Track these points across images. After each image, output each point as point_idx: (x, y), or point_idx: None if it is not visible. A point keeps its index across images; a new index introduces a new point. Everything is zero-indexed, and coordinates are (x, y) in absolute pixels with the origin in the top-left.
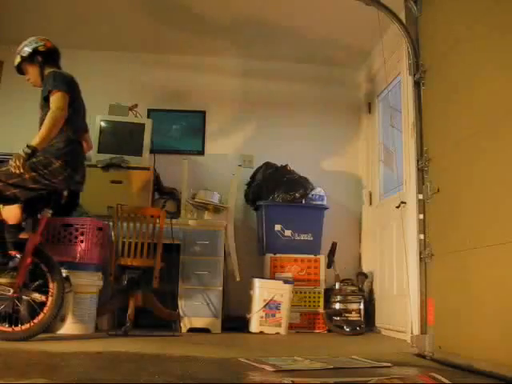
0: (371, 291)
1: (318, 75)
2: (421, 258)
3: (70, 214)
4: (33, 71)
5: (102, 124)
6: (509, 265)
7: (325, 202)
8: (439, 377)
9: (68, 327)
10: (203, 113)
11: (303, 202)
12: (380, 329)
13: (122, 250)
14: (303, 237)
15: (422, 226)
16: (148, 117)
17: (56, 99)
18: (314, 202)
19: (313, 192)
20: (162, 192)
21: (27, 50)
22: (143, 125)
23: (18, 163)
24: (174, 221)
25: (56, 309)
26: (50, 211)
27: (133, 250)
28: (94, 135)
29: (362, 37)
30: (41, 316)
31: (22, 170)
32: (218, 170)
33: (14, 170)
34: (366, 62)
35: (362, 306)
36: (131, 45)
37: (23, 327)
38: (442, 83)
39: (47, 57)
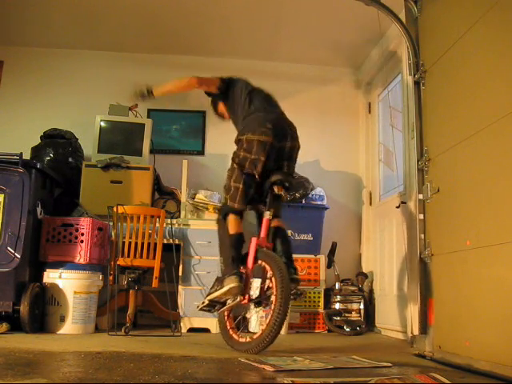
0: (371, 291)
1: (318, 75)
2: (421, 258)
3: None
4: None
5: (102, 124)
6: (509, 265)
7: (325, 202)
8: (439, 377)
9: (68, 327)
10: (203, 113)
11: (303, 201)
12: (380, 329)
13: (122, 249)
14: (303, 237)
15: (422, 226)
16: (148, 117)
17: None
18: (314, 202)
19: (313, 192)
20: (162, 192)
21: None
22: (143, 125)
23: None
24: (173, 221)
25: (277, 318)
26: (269, 213)
27: (133, 249)
28: (94, 135)
29: (362, 37)
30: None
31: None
32: (218, 170)
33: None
34: (365, 61)
35: (362, 306)
36: (131, 45)
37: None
38: (441, 83)
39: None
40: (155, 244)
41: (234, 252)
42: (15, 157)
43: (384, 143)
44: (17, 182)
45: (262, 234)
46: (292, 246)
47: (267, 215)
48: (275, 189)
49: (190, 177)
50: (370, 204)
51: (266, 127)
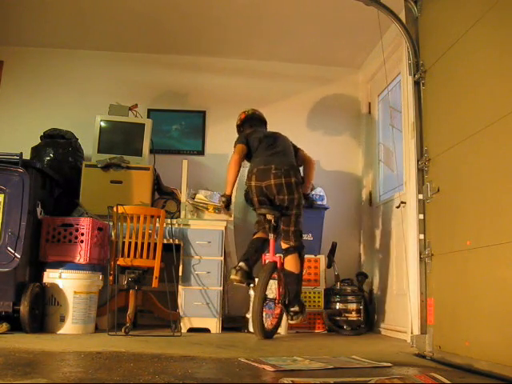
0: (371, 291)
1: (318, 75)
2: (421, 258)
3: None
4: None
5: (102, 124)
6: (509, 265)
7: (325, 202)
8: (439, 377)
9: (68, 327)
10: (203, 113)
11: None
12: (380, 329)
13: (122, 249)
14: (303, 237)
15: (422, 226)
16: (148, 117)
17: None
18: (314, 202)
19: (313, 192)
20: (162, 192)
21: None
22: (143, 125)
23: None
24: (173, 221)
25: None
26: (271, 235)
27: (133, 249)
28: (94, 135)
29: (362, 37)
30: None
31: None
32: (217, 170)
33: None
34: (365, 61)
35: (362, 306)
36: (131, 45)
37: None
38: (441, 83)
39: (243, 125)
40: (155, 244)
41: (246, 248)
42: (15, 157)
43: (384, 143)
44: (17, 182)
45: (269, 250)
46: (292, 284)
47: (271, 237)
48: (266, 216)
49: (190, 177)
50: (370, 204)
51: (252, 172)
